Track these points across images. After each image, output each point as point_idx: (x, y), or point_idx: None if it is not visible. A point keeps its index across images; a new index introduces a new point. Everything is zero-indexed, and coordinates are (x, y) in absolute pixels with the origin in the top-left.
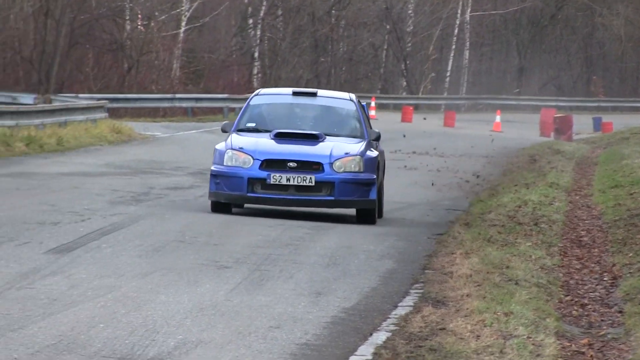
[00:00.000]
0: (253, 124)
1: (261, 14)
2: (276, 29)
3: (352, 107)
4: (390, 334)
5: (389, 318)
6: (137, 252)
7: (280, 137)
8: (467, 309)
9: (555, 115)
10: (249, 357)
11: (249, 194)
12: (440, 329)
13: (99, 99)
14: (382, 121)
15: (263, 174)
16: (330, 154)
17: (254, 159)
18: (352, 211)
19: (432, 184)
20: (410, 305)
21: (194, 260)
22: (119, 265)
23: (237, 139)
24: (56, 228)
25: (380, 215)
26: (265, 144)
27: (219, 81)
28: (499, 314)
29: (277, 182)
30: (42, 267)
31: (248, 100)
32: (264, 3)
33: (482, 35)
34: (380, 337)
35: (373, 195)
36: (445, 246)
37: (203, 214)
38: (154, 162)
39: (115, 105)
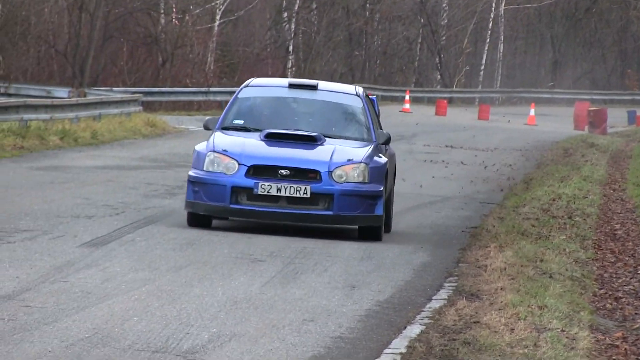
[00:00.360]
0: (241, 121)
1: (295, 8)
2: (310, 22)
3: (358, 103)
4: (424, 327)
5: (423, 311)
6: (171, 246)
7: (272, 138)
8: (501, 302)
9: (590, 109)
10: (282, 350)
11: (232, 206)
12: (474, 322)
13: (133, 93)
14: (417, 114)
15: (249, 182)
16: (330, 160)
17: (239, 164)
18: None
19: (471, 182)
20: (444, 299)
21: (227, 253)
22: (153, 259)
23: (220, 139)
24: (90, 221)
25: (389, 229)
26: (253, 146)
27: (253, 74)
28: (532, 307)
29: (265, 193)
30: (77, 260)
31: (236, 92)
32: None
33: (517, 28)
34: (414, 330)
35: (379, 211)
36: (479, 239)
37: None
38: (188, 155)
39: (149, 98)
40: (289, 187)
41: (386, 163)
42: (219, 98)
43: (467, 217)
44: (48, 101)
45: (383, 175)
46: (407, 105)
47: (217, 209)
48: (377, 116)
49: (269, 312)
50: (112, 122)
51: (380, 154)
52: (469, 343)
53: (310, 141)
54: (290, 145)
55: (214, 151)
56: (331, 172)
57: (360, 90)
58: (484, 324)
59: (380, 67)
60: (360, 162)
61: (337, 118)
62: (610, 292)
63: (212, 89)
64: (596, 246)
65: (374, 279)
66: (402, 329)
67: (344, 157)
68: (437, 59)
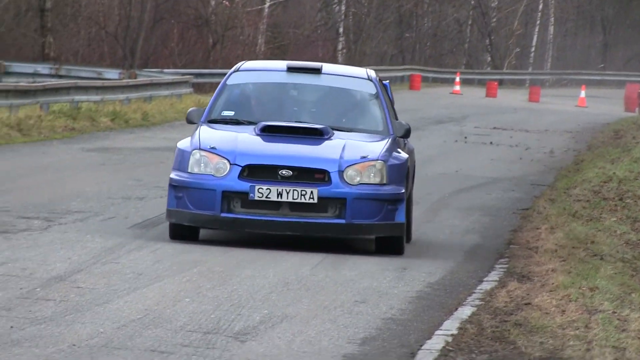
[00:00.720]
0: (231, 113)
1: None
2: (361, 4)
3: (370, 88)
4: (475, 308)
5: (474, 293)
6: None
7: (270, 132)
8: (552, 284)
9: None
10: (334, 331)
11: (223, 215)
12: (526, 304)
13: (183, 74)
14: (467, 96)
15: (244, 185)
16: (341, 157)
17: (231, 164)
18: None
19: (522, 163)
20: (496, 280)
21: (278, 235)
22: (204, 240)
23: (207, 135)
24: (142, 203)
25: (409, 239)
26: (247, 142)
27: (303, 56)
28: (584, 289)
29: (263, 198)
30: (128, 241)
31: (225, 78)
32: None
33: (567, 10)
34: (465, 312)
35: (400, 217)
36: (530, 221)
37: None
38: None
39: (200, 80)
40: (291, 191)
41: (407, 160)
42: None
43: (518, 199)
44: (99, 83)
45: (404, 174)
46: (457, 87)
47: (204, 218)
48: (392, 104)
49: (320, 293)
50: (163, 103)
51: (400, 149)
52: (520, 324)
53: (317, 135)
54: (291, 140)
55: (199, 149)
56: (342, 172)
57: (372, 73)
58: (535, 306)
59: (430, 49)
60: (377, 160)
61: (346, 107)
62: None
63: None
64: None
65: (424, 261)
66: (454, 310)
67: (356, 153)
68: (487, 41)
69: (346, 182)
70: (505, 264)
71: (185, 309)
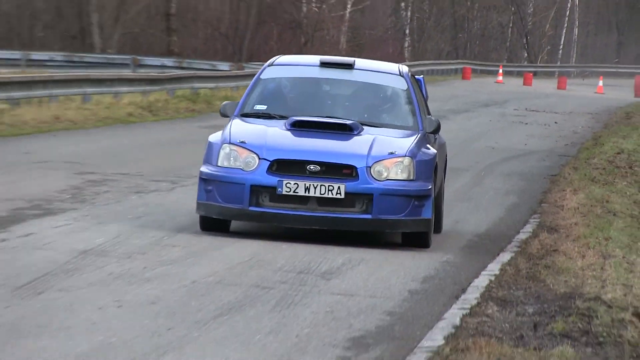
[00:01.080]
0: (263, 107)
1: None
2: (423, 10)
3: (402, 84)
4: (513, 254)
5: (513, 242)
6: None
7: (300, 127)
8: (575, 234)
9: None
10: (401, 271)
11: (251, 208)
12: (553, 251)
13: None
14: (508, 85)
15: (272, 180)
16: (369, 153)
17: (260, 159)
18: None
19: (551, 139)
20: (529, 232)
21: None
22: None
23: (238, 129)
24: None
25: (439, 229)
26: (277, 136)
27: (377, 52)
28: (600, 238)
29: (291, 193)
30: None
31: (259, 72)
32: None
33: (588, 15)
34: (505, 256)
35: (427, 214)
36: (557, 185)
37: None
38: None
39: None
40: (319, 186)
41: (435, 156)
42: None
43: (548, 167)
44: (213, 73)
45: (432, 170)
46: (500, 78)
47: (233, 212)
48: (425, 100)
49: (390, 243)
50: None
51: (429, 145)
52: (549, 267)
53: (346, 130)
54: (321, 135)
55: (230, 143)
56: (369, 167)
57: (404, 69)
58: (560, 252)
59: (478, 47)
60: (405, 156)
61: (376, 102)
62: None
63: None
64: None
65: (473, 216)
66: (496, 255)
67: (385, 149)
68: (524, 40)
69: (373, 177)
70: (538, 218)
71: (283, 254)
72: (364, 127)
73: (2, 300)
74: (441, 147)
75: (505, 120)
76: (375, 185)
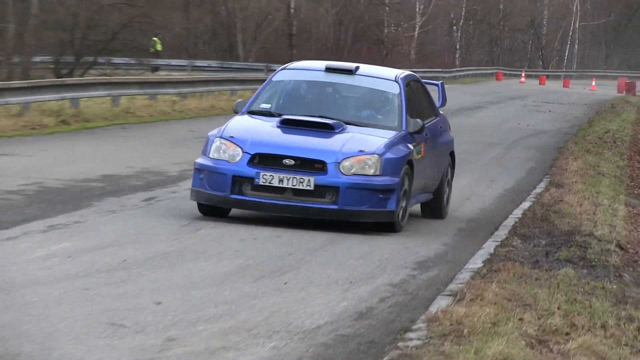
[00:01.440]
0: (268, 106)
1: (460, 24)
2: (469, 32)
3: (394, 89)
4: (531, 203)
5: (530, 194)
6: None
7: (287, 125)
8: (575, 189)
9: (626, 81)
10: (452, 215)
11: (232, 196)
12: (560, 201)
13: None
14: (528, 84)
15: (251, 171)
16: (340, 150)
17: (243, 152)
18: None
19: (558, 121)
20: (543, 187)
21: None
22: None
23: (234, 124)
24: None
25: (441, 215)
26: (263, 132)
27: (437, 62)
28: (592, 192)
29: (267, 183)
30: None
31: (272, 75)
32: (462, 17)
33: (585, 35)
34: (526, 204)
35: (392, 206)
36: (562, 154)
37: None
38: None
39: None
40: (292, 178)
41: (408, 154)
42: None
43: (557, 142)
44: None
45: (400, 167)
46: (522, 79)
47: (218, 198)
48: (431, 103)
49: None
50: None
51: (408, 144)
52: (557, 212)
53: (328, 129)
54: (304, 133)
55: (221, 137)
56: (339, 163)
57: (401, 75)
58: (565, 202)
59: (507, 57)
60: (373, 153)
61: (368, 104)
62: (637, 184)
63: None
64: (629, 158)
65: (503, 177)
66: (519, 203)
67: (356, 147)
68: (540, 53)
69: (341, 172)
70: (549, 178)
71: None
72: (348, 126)
73: (172, 234)
74: (443, 144)
75: (525, 109)
76: (342, 179)
